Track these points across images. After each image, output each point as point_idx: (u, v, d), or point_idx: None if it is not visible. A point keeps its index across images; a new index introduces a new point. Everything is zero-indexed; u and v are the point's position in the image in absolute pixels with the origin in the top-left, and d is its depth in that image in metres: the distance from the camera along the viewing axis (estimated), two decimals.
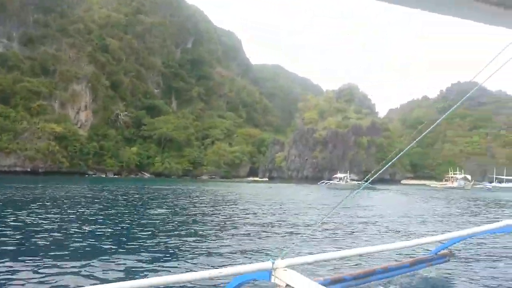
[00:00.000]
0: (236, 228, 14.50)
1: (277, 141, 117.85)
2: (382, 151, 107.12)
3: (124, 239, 12.14)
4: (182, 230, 13.98)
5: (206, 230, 14.13)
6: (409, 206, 27.28)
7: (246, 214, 19.53)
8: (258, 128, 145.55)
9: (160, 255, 9.55)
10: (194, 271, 4.17)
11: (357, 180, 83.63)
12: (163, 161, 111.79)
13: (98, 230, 13.57)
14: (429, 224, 16.74)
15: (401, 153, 4.42)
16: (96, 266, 8.03)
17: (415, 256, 7.69)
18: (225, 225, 15.38)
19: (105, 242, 11.33)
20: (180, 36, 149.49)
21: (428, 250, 7.68)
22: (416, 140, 3.79)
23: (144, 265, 8.43)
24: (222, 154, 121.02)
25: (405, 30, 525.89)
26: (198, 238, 12.03)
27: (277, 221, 16.63)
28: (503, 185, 78.51)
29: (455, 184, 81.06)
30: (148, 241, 11.44)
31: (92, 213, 18.53)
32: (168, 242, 11.24)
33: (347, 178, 79.29)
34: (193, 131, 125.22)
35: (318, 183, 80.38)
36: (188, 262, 8.65)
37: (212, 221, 16.62)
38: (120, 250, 10.13)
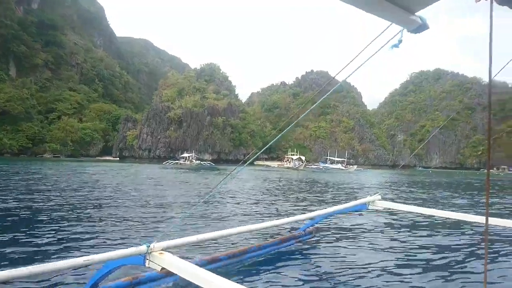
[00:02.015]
0: (99, 213, 11.53)
1: (130, 118, 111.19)
2: (237, 132, 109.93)
3: None
4: (27, 217, 10.54)
5: (61, 216, 10.73)
6: (262, 186, 26.80)
7: (102, 197, 15.94)
8: (117, 105, 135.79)
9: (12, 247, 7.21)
10: (56, 261, 3.00)
11: (203, 160, 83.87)
12: None
13: None
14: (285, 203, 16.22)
15: (275, 138, 5.30)
16: None
17: (285, 234, 8.22)
18: (83, 211, 11.92)
19: None
20: None
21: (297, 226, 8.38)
22: (287, 128, 4.92)
23: None
24: (70, 130, 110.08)
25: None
26: (55, 226, 9.31)
27: (143, 205, 14.03)
28: (333, 166, 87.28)
29: (291, 165, 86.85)
30: None
31: None
32: (17, 233, 8.44)
33: (192, 158, 78.60)
34: (35, 103, 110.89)
35: (164, 163, 78.07)
36: (47, 252, 7.04)
37: (64, 206, 12.79)
38: None
